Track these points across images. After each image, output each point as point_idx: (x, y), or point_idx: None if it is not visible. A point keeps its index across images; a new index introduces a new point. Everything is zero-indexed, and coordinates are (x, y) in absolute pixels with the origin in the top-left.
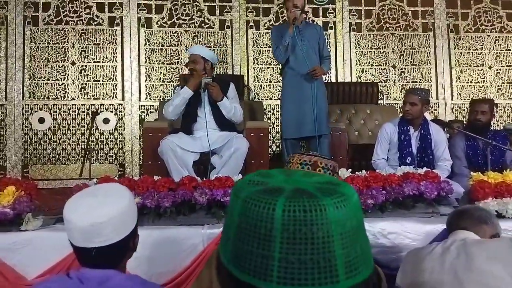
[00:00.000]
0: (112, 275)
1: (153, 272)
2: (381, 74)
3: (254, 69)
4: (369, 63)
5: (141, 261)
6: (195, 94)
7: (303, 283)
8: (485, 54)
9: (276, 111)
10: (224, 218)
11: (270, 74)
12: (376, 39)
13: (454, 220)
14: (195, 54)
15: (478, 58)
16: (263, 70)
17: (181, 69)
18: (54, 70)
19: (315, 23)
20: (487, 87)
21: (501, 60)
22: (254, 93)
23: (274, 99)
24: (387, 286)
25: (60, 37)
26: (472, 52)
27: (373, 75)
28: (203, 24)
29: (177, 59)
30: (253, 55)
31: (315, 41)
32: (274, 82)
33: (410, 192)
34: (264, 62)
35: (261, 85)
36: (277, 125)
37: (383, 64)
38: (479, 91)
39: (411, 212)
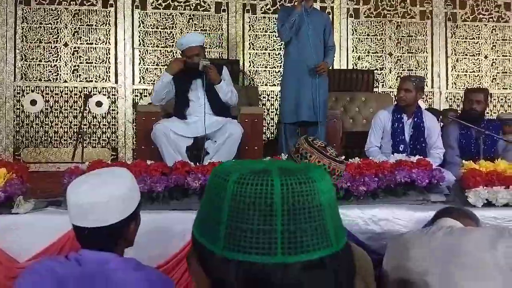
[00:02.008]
0: (109, 258)
1: (144, 256)
2: (377, 61)
3: (250, 54)
4: (365, 50)
5: (132, 246)
6: (186, 77)
7: (305, 250)
8: (481, 43)
9: (271, 97)
10: (204, 207)
11: (266, 60)
12: (373, 26)
13: (441, 212)
14: (195, 46)
15: (474, 48)
16: (259, 56)
17: (176, 52)
18: (46, 51)
19: (325, 11)
20: (482, 76)
21: (497, 50)
22: (250, 79)
23: (270, 85)
24: (377, 271)
25: (53, 18)
26: (468, 41)
27: (369, 62)
28: (198, 7)
29: (171, 42)
30: (249, 40)
31: (321, 28)
32: (270, 67)
33: (402, 179)
34: (260, 47)
35: (256, 71)
36: (272, 111)
37: (380, 51)
38: (474, 81)
39: (402, 199)
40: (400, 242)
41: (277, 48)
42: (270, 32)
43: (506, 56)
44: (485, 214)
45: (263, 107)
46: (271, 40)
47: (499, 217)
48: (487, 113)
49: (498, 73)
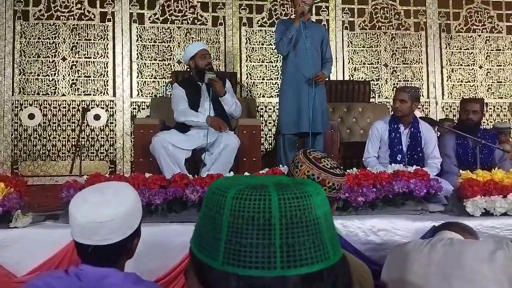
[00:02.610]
0: (110, 273)
1: (143, 269)
2: (373, 72)
3: (247, 67)
4: (361, 61)
5: (132, 258)
6: (195, 91)
7: (304, 263)
8: (476, 53)
9: (269, 109)
10: (202, 223)
11: (263, 72)
12: (368, 38)
13: (441, 227)
14: (206, 49)
15: (469, 58)
16: (256, 68)
17: (173, 65)
18: (45, 66)
19: (321, 24)
20: (477, 86)
21: (492, 60)
22: (247, 91)
23: (267, 97)
24: (376, 282)
25: (51, 32)
26: (463, 52)
27: (365, 73)
28: (195, 21)
29: (169, 55)
30: (246, 53)
31: (319, 41)
32: (267, 79)
33: (400, 189)
34: (257, 59)
35: (253, 83)
36: (269, 123)
37: (375, 62)
38: (470, 90)
39: (400, 209)
40: (401, 254)
41: (274, 60)
42: (267, 44)
43: (501, 66)
44: (483, 224)
45: (261, 118)
46: (268, 53)
47: (497, 226)
48: (483, 122)
49: (493, 82)
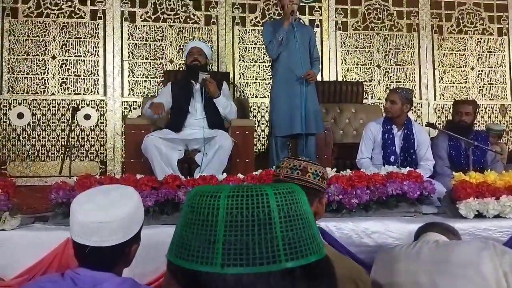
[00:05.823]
0: (106, 277)
1: (135, 273)
2: (366, 73)
3: (240, 67)
4: (354, 62)
5: None
6: (186, 89)
7: (304, 254)
8: (467, 55)
9: (262, 109)
10: (188, 231)
11: (256, 72)
12: (361, 39)
13: (423, 229)
14: (198, 47)
15: (461, 59)
16: (249, 68)
17: (165, 65)
18: (34, 64)
19: (305, 24)
20: (469, 88)
21: (483, 62)
22: (240, 91)
23: (260, 97)
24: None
25: (41, 30)
26: (455, 53)
27: (358, 74)
28: (188, 20)
29: (161, 54)
30: (239, 52)
31: (307, 41)
32: (260, 79)
33: (393, 191)
34: (250, 59)
35: (246, 83)
36: (262, 123)
37: (368, 63)
38: (461, 92)
39: (394, 211)
40: (388, 258)
41: (267, 61)
42: (259, 44)
43: (492, 67)
44: (476, 226)
45: (254, 119)
46: (261, 53)
47: (490, 228)
48: (475, 124)
49: (484, 84)
